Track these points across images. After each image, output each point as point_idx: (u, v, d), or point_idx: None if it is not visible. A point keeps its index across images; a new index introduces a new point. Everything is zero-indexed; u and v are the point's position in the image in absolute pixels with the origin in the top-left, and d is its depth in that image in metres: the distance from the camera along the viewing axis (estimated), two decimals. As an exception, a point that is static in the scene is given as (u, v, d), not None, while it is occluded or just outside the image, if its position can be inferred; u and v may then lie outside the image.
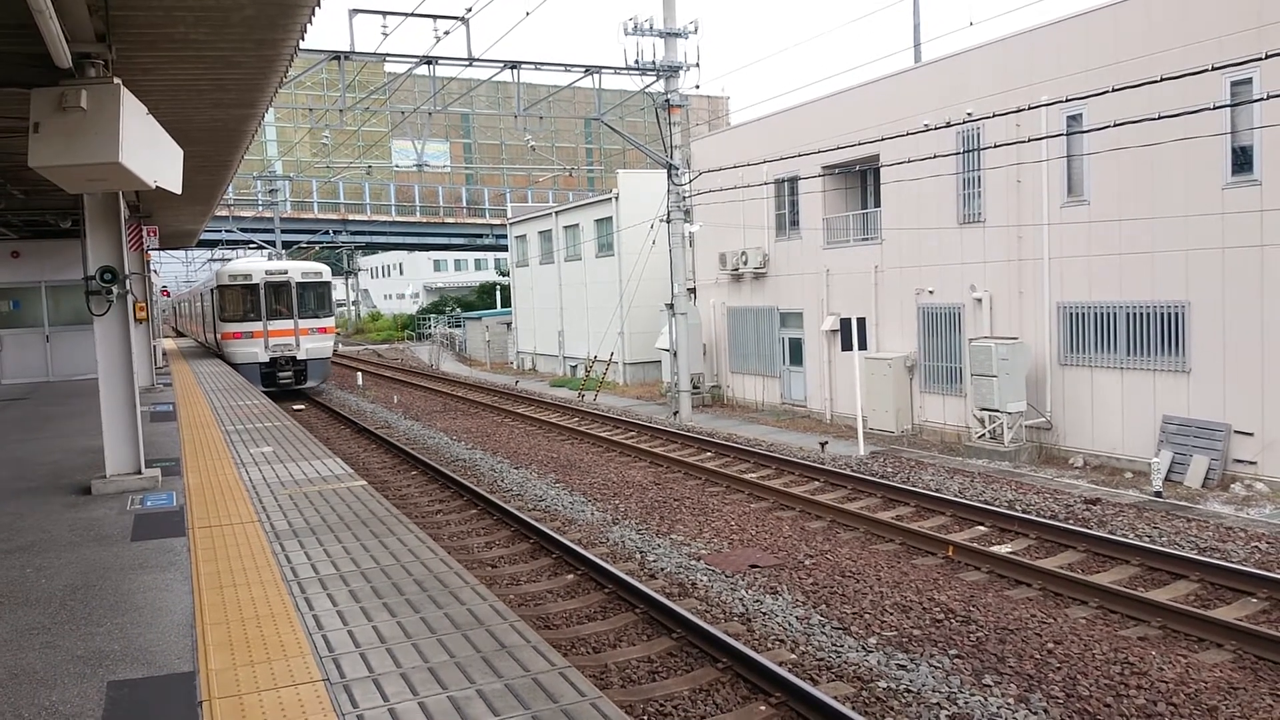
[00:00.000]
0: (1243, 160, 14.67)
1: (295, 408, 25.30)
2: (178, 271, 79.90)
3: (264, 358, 26.76)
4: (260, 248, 56.34)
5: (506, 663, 4.68)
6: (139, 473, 9.08)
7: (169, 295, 59.57)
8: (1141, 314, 16.29)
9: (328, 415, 24.70)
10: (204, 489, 9.13)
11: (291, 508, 8.26)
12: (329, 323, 28.41)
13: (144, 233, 19.03)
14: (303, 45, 8.33)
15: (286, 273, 27.53)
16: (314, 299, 27.82)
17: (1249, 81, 14.21)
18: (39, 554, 6.91)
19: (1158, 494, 13.78)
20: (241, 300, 26.90)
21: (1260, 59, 12.31)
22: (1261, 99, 13.15)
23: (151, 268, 24.66)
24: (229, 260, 39.75)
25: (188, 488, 9.16)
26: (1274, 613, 8.62)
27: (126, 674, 4.68)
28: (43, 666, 4.80)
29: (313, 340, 27.56)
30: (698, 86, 24.17)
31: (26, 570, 6.52)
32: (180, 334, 56.36)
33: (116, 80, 6.73)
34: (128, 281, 9.03)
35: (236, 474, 9.92)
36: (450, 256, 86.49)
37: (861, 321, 18.32)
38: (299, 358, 27.30)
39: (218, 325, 27.92)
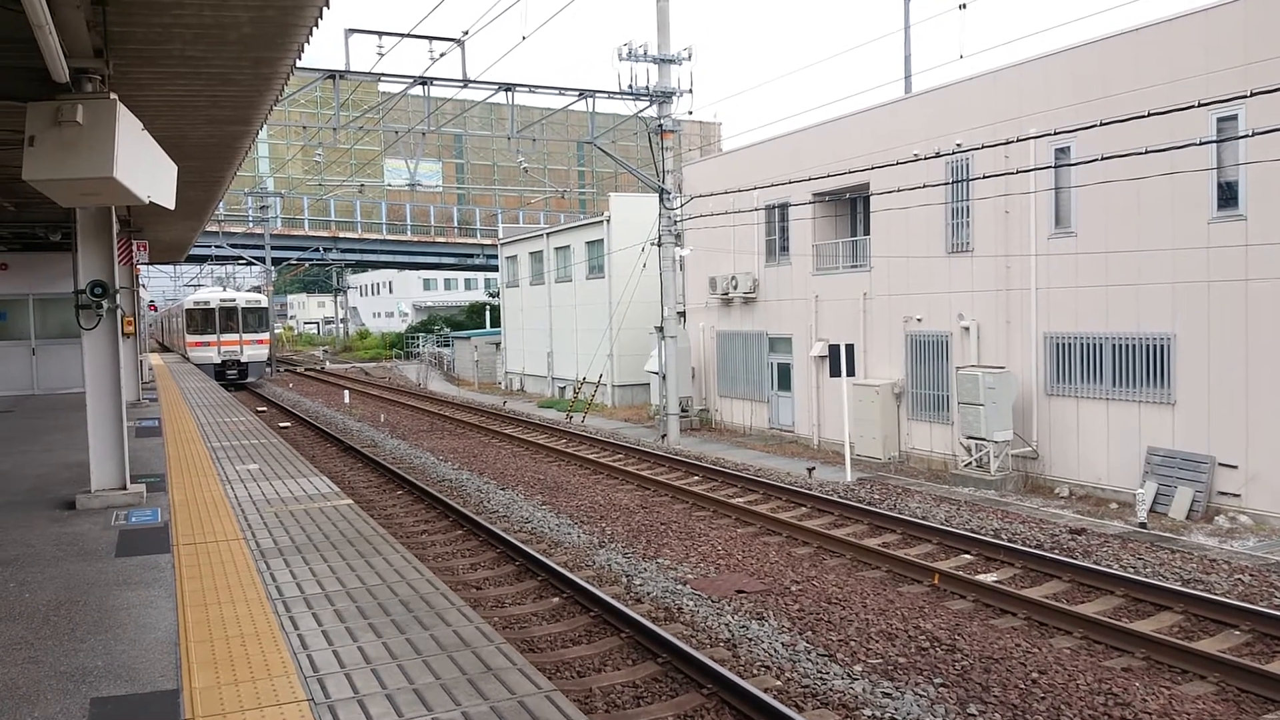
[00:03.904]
0: (1228, 195, 14.86)
1: (281, 425, 25.23)
2: (165, 286, 79.79)
3: (217, 360, 37.48)
4: (250, 263, 56.61)
5: (492, 685, 4.67)
6: (124, 488, 9.03)
7: (156, 310, 59.60)
8: (1127, 345, 16.42)
9: (314, 433, 24.61)
10: (189, 505, 9.08)
11: (277, 525, 8.22)
12: (265, 336, 40.50)
13: (134, 247, 18.98)
14: (299, 64, 8.37)
15: (235, 300, 39.24)
16: (254, 319, 39.16)
17: (1235, 118, 14.42)
18: (22, 568, 6.86)
19: (1142, 525, 13.84)
20: (202, 320, 38.14)
21: (1246, 96, 12.50)
22: (1247, 135, 13.34)
23: (140, 282, 24.68)
24: (199, 288, 53.10)
25: (173, 504, 9.11)
26: (1257, 645, 8.65)
27: (110, 691, 4.65)
28: (25, 682, 4.76)
29: (252, 348, 38.87)
30: (690, 112, 24.40)
31: (10, 585, 6.47)
32: (165, 348, 56.22)
33: (112, 95, 6.75)
34: (117, 296, 9.01)
35: (222, 491, 9.87)
36: (440, 276, 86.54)
37: (850, 348, 18.40)
38: (242, 361, 38.42)
39: (185, 337, 38.96)
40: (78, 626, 5.59)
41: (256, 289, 62.66)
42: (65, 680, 4.78)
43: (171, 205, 7.92)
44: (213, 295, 39.63)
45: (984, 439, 17.70)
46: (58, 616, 5.79)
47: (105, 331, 8.87)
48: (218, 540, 7.67)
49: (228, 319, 38.10)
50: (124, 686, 4.70)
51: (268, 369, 45.25)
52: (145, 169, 7.20)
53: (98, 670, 4.91)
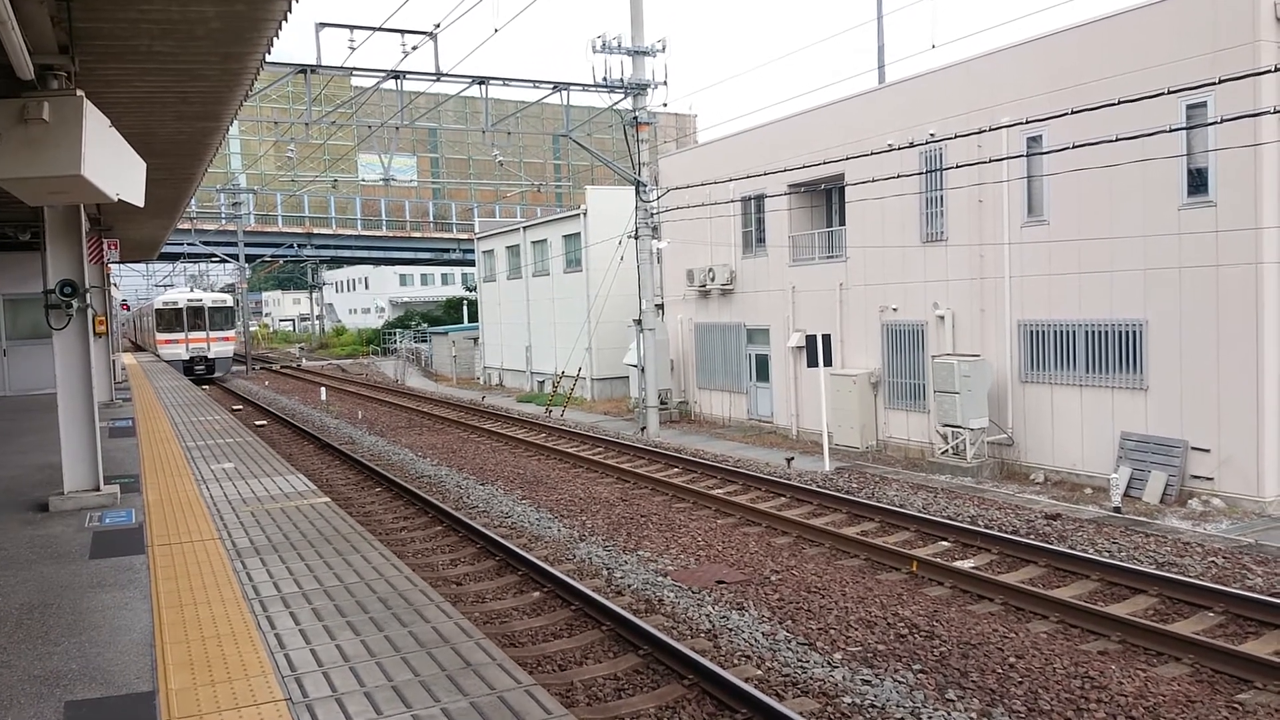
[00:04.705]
0: (1198, 182, 15.00)
1: (258, 423, 25.06)
2: (138, 285, 78.95)
3: (185, 356, 40.03)
4: (223, 261, 56.23)
5: (472, 681, 4.66)
6: (98, 489, 8.94)
7: (128, 309, 59.18)
8: (1100, 332, 16.56)
9: (290, 431, 24.45)
10: (164, 506, 9.01)
11: (253, 524, 8.17)
12: (231, 334, 43.16)
13: (104, 246, 18.77)
14: (269, 58, 8.29)
15: (201, 300, 41.80)
16: (221, 317, 41.77)
17: (1204, 105, 14.55)
18: (-7, 572, 6.78)
19: (1117, 509, 13.98)
20: (171, 318, 40.70)
21: (1215, 84, 12.62)
22: (1216, 122, 13.47)
23: (111, 281, 24.44)
24: (169, 289, 56.16)
25: (147, 504, 9.03)
26: (1230, 626, 8.77)
27: (85, 694, 4.61)
28: (-3, 687, 4.71)
29: (219, 345, 41.48)
30: (665, 104, 24.33)
31: (-20, 589, 6.39)
32: (139, 348, 55.81)
33: (79, 92, 6.66)
34: (88, 295, 8.91)
35: (197, 490, 9.80)
36: (417, 271, 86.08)
37: (827, 338, 18.46)
38: (209, 356, 41.01)
39: (155, 334, 41.75)
40: (51, 630, 5.54)
41: (230, 287, 62.67)
42: (39, 684, 4.74)
43: (141, 203, 7.83)
44: (181, 295, 42.50)
45: (960, 427, 17.82)
46: (31, 620, 5.73)
47: (76, 331, 8.78)
48: (193, 540, 7.62)
49: (195, 317, 40.92)
50: (99, 689, 4.66)
51: (240, 366, 48.37)
52: (113, 166, 7.11)
53: (72, 673, 4.86)
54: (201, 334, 40.86)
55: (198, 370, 39.87)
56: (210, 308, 41.57)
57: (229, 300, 44.38)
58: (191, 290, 48.85)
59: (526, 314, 38.35)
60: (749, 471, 16.61)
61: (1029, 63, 17.33)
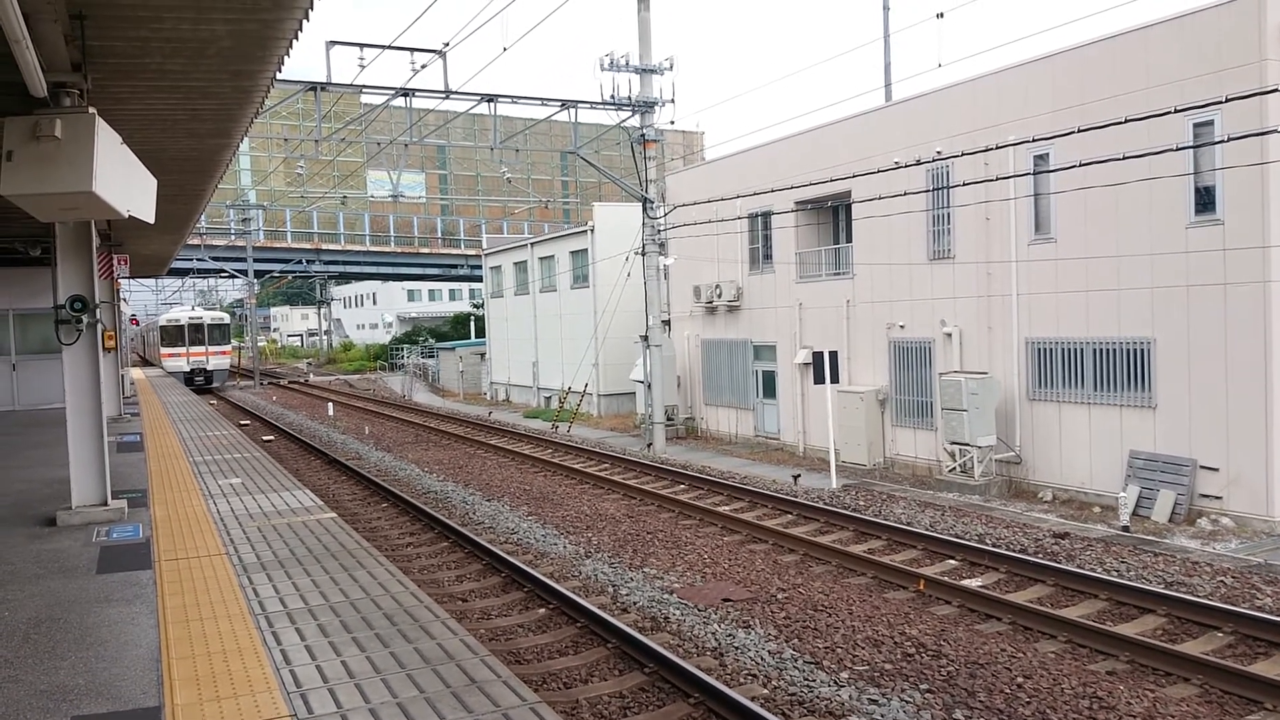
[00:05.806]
0: (1205, 200, 14.99)
1: (265, 438, 25.11)
2: (147, 300, 79.26)
3: (186, 368, 44.06)
4: (231, 277, 56.60)
5: (477, 698, 4.65)
6: (105, 504, 8.97)
7: (138, 324, 59.67)
8: (1108, 350, 16.53)
9: (297, 446, 24.49)
10: (171, 521, 9.03)
11: (260, 540, 8.18)
12: (228, 348, 48.08)
13: (114, 261, 18.87)
14: (279, 76, 8.36)
15: (201, 318, 46.12)
16: (219, 333, 46.22)
17: (1211, 124, 14.56)
18: (2, 586, 6.79)
19: (1125, 528, 13.91)
20: (173, 334, 44.93)
21: (1221, 102, 12.62)
22: (1223, 141, 13.47)
23: (121, 296, 24.58)
24: (174, 306, 60.23)
25: (154, 520, 9.05)
26: (1239, 647, 8.71)
27: (91, 709, 4.61)
28: (4, 701, 4.72)
29: (217, 359, 45.78)
30: (673, 122, 24.48)
31: (-12, 603, 6.41)
32: (147, 362, 56.14)
33: (91, 110, 6.73)
34: (97, 311, 8.96)
35: (204, 506, 9.82)
36: (424, 287, 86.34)
37: (834, 355, 18.44)
38: (208, 369, 45.18)
39: (160, 349, 46.56)
40: (58, 644, 5.55)
41: (239, 302, 63.78)
42: (45, 699, 4.74)
43: (151, 219, 7.89)
44: (183, 314, 46.86)
45: (967, 444, 17.77)
46: (38, 634, 5.74)
47: (85, 347, 8.83)
48: (200, 555, 7.63)
49: (196, 333, 45.02)
50: (105, 704, 4.67)
51: (248, 381, 52.73)
52: (125, 183, 7.17)
53: (79, 688, 4.87)
54: (201, 348, 44.97)
55: (197, 381, 43.48)
56: (209, 325, 45.71)
57: (226, 318, 49.45)
58: (193, 309, 52.79)
59: (533, 330, 38.41)
60: (755, 488, 16.58)
61: (1035, 81, 17.36)
